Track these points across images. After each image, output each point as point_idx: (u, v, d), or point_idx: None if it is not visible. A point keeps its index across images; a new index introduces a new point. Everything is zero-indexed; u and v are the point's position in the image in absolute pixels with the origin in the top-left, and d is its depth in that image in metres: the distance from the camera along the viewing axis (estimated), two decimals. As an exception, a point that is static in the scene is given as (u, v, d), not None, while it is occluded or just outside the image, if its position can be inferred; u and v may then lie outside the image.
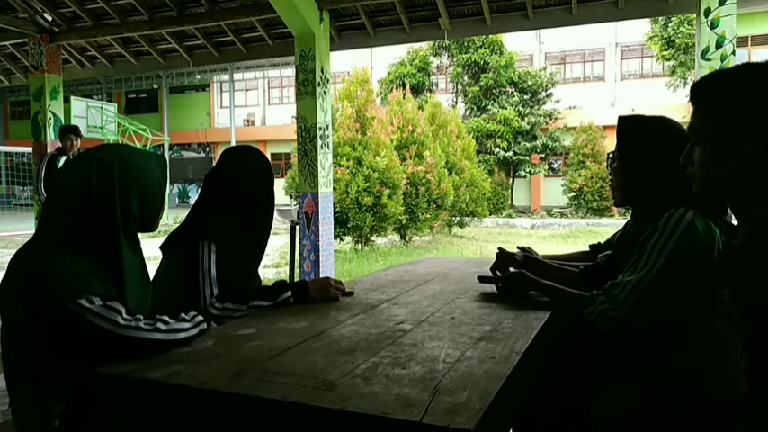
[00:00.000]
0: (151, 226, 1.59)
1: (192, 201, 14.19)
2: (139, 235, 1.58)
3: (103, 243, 1.43)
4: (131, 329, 1.31)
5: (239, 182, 1.94)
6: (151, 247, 1.97)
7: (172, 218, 15.17)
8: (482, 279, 2.08)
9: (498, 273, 2.10)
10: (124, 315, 1.33)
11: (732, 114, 1.12)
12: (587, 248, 2.21)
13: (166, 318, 1.39)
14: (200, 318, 1.47)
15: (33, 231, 1.53)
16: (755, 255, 1.08)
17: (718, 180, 1.17)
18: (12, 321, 1.38)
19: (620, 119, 1.76)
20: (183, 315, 1.44)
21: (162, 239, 1.93)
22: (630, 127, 1.71)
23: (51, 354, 1.37)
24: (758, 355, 1.02)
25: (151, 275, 1.85)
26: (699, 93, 1.19)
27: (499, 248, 2.20)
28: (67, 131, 6.18)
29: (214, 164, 2.22)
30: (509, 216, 19.26)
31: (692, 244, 1.44)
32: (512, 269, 2.05)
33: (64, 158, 5.97)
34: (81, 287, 1.33)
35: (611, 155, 1.81)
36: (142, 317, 1.36)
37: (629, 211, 1.84)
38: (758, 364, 1.01)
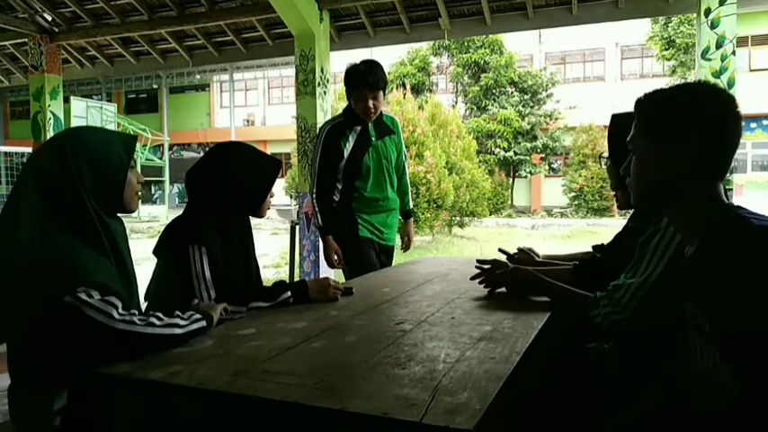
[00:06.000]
0: (119, 205, 1.53)
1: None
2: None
3: (81, 225, 1.40)
4: (124, 323, 1.30)
5: (227, 179, 1.86)
6: (149, 248, 1.95)
7: (171, 217, 15.13)
8: (479, 267, 2.07)
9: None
10: (120, 310, 1.32)
11: (653, 128, 1.21)
12: (589, 249, 2.20)
13: (160, 314, 1.38)
14: (197, 315, 1.45)
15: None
16: (707, 264, 1.09)
17: (642, 190, 1.24)
18: (10, 317, 1.37)
19: (613, 117, 1.75)
20: (179, 312, 1.43)
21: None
22: (620, 123, 1.68)
23: (50, 351, 1.36)
24: (742, 358, 1.02)
25: (148, 277, 1.84)
26: (636, 106, 1.28)
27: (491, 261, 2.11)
28: (359, 80, 2.89)
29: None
30: (509, 216, 19.25)
31: None
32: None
33: (357, 130, 2.98)
34: (80, 278, 1.31)
35: (601, 156, 1.80)
36: (137, 312, 1.35)
37: (630, 213, 1.84)
38: (745, 366, 1.01)
